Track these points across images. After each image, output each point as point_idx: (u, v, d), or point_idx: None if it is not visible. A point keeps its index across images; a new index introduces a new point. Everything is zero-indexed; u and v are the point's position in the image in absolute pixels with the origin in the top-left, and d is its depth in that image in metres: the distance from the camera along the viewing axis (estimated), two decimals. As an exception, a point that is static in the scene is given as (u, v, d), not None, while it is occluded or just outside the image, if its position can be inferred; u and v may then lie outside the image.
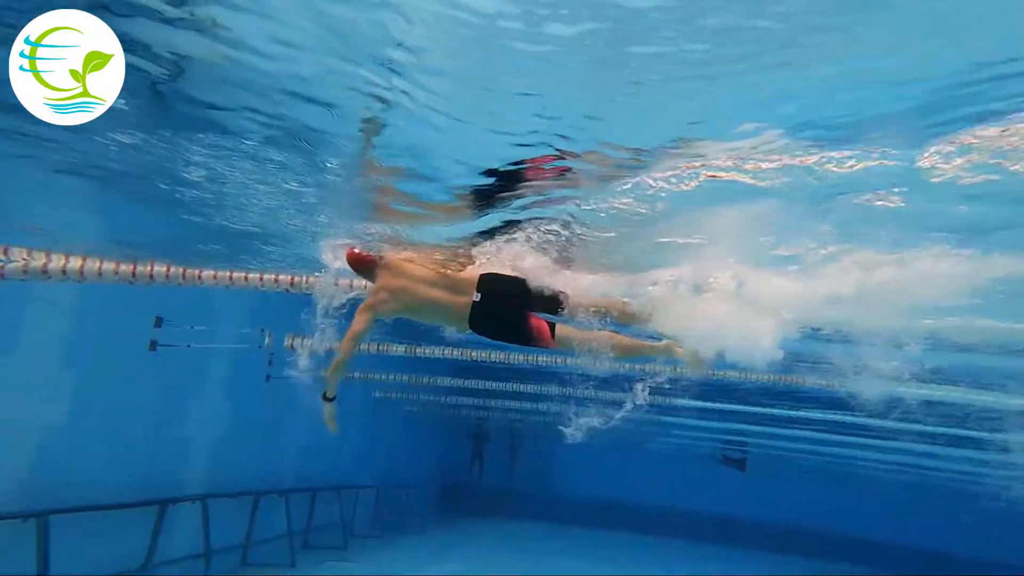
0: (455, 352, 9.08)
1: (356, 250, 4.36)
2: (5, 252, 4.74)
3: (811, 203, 3.46)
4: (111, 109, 2.49)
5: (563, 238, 4.29)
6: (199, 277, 5.64)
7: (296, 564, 9.79)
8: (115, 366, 6.97)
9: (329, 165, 3.69)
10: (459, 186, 3.75)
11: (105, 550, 6.73)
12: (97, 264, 4.96)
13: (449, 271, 4.28)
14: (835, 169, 3.07)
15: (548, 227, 4.16)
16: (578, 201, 3.77)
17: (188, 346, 7.78)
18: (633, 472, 20.66)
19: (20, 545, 5.43)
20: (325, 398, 3.76)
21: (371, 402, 13.84)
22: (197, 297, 7.71)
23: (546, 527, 18.79)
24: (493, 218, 4.07)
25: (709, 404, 10.79)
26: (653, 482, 20.53)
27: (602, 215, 3.88)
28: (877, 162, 2.98)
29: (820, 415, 10.15)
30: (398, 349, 8.94)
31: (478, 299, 3.89)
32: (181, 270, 5.52)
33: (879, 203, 3.34)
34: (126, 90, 2.53)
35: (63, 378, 6.32)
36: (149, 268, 5.29)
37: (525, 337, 3.88)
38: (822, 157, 3.01)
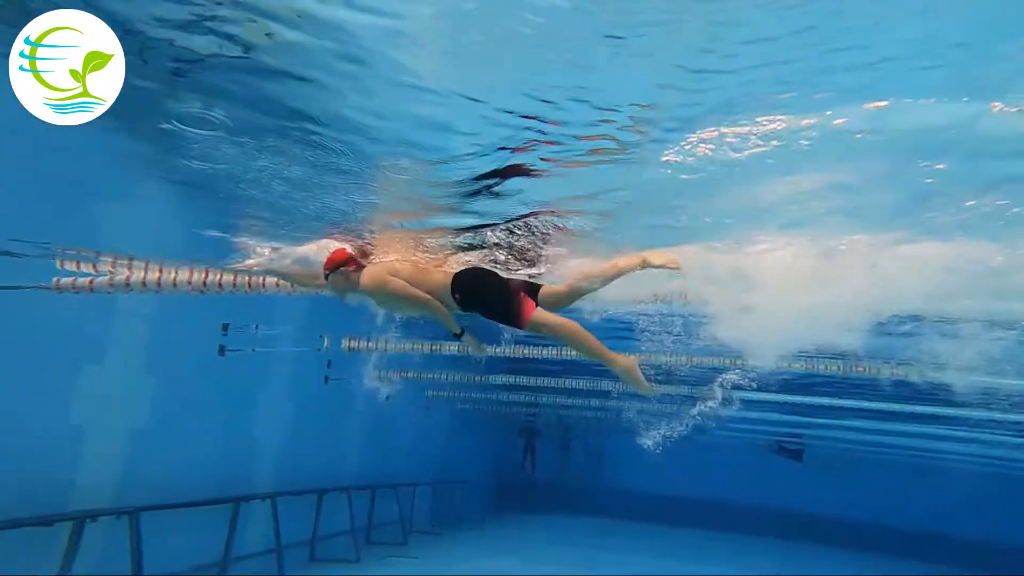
0: (506, 350, 9.19)
1: (350, 251, 4.44)
2: (94, 267, 5.10)
3: (886, 167, 3.31)
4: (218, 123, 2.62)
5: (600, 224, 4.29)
6: (262, 284, 5.91)
7: (360, 559, 10.10)
8: (189, 371, 7.36)
9: (393, 176, 3.85)
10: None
11: (187, 545, 7.12)
12: (172, 275, 5.26)
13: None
14: (913, 130, 2.94)
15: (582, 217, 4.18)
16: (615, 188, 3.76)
17: (253, 350, 8.15)
18: (687, 465, 20.34)
19: (115, 540, 5.82)
20: (456, 336, 4.05)
21: (424, 401, 14.12)
22: (260, 303, 8.06)
23: (600, 522, 18.75)
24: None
25: (771, 396, 10.53)
26: (709, 476, 20.18)
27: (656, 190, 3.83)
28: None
29: (897, 407, 9.72)
30: (451, 348, 9.11)
31: (467, 265, 4.19)
32: (247, 279, 5.80)
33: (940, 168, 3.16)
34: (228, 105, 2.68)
35: (144, 384, 6.73)
36: (219, 277, 5.59)
37: (508, 301, 3.83)
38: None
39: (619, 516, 19.57)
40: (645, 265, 3.90)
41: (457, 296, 3.98)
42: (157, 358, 6.85)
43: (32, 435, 5.38)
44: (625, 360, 3.67)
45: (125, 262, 5.21)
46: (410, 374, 10.97)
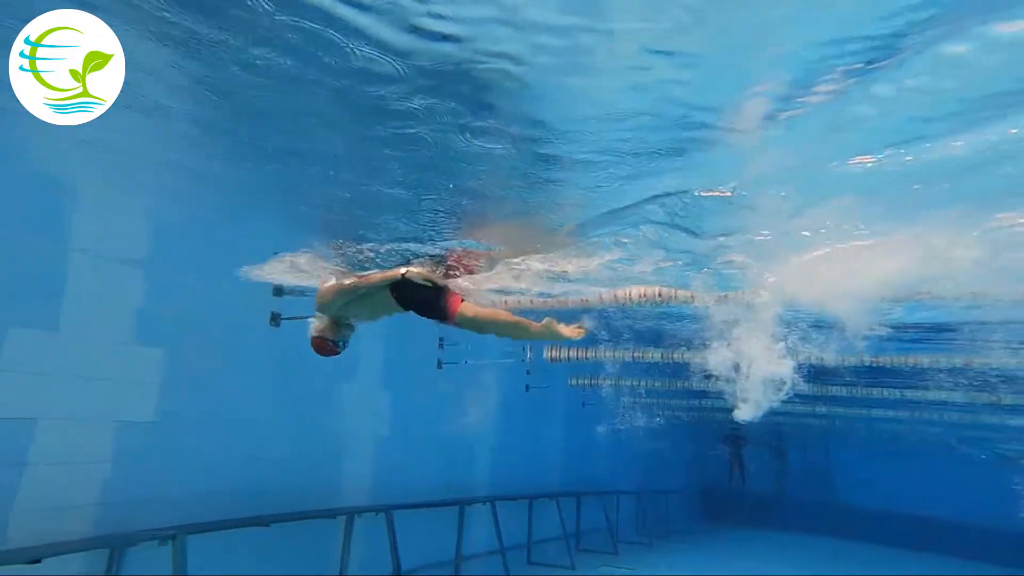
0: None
1: None
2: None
3: None
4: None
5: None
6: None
7: (575, 567, 10.21)
8: (416, 384, 8.16)
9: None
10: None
11: (425, 543, 7.83)
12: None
13: None
14: None
15: None
16: None
17: (465, 363, 8.77)
18: (940, 482, 17.27)
19: (374, 536, 6.61)
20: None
21: (623, 408, 13.95)
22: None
23: (828, 541, 16.78)
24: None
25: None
26: (965, 495, 16.91)
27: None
28: None
29: None
30: (654, 355, 8.85)
31: (405, 272, 4.29)
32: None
33: None
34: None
35: (384, 397, 7.60)
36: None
37: (439, 289, 4.19)
38: None
39: (853, 536, 17.31)
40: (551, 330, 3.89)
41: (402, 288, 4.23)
42: (390, 373, 7.70)
43: (307, 441, 6.35)
44: (547, 325, 3.81)
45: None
46: (610, 382, 10.90)
